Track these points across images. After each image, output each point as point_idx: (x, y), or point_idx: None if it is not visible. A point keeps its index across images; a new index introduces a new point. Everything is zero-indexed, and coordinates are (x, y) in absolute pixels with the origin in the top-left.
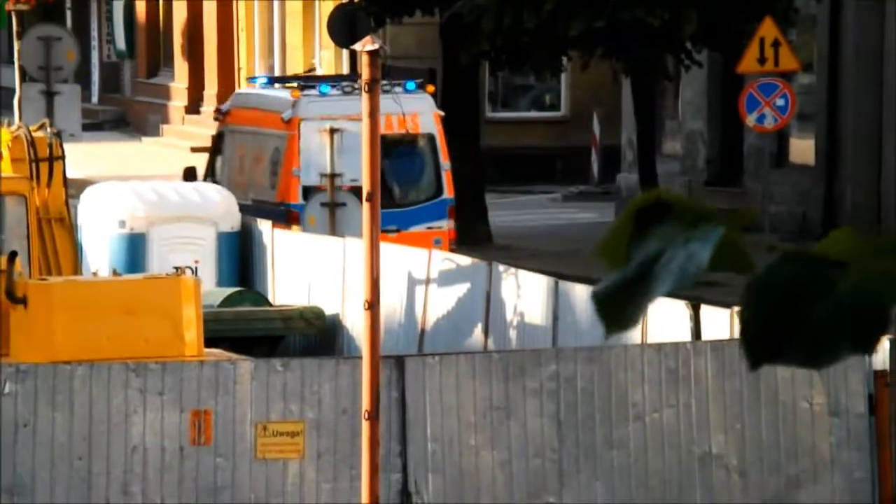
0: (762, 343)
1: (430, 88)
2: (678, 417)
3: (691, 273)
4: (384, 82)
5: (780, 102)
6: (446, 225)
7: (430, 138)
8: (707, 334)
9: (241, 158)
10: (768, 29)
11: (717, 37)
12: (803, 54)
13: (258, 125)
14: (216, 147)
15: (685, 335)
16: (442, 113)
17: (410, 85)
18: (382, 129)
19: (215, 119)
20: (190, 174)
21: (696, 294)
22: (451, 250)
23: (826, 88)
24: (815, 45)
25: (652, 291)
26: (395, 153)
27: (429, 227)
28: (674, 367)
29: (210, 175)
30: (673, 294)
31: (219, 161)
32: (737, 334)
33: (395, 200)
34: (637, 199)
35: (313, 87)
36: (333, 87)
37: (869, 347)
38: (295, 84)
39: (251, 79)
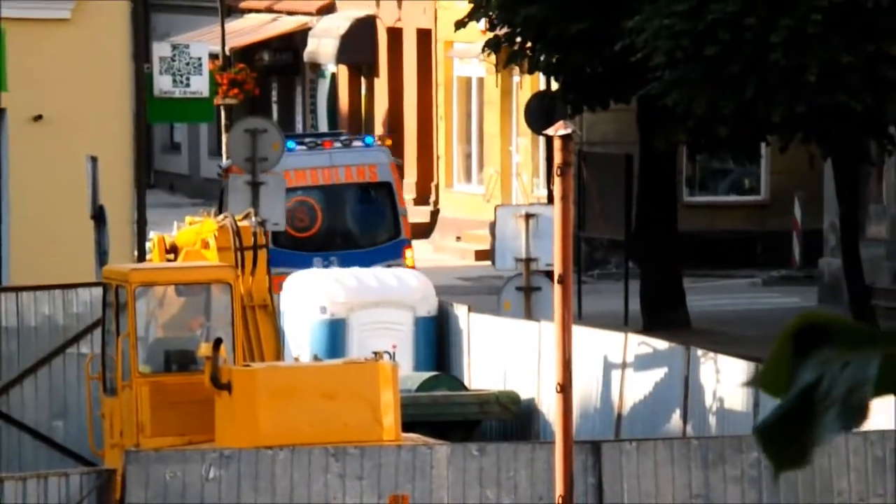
0: None
1: (388, 142)
2: None
3: (855, 408)
4: (343, 137)
5: None
6: (402, 262)
7: (388, 186)
8: None
9: None
10: None
11: None
12: None
13: None
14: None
15: (891, 423)
16: (399, 162)
17: (369, 139)
18: (343, 180)
19: (218, 175)
20: (100, 212)
21: None
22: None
23: None
24: None
25: (820, 432)
26: (356, 200)
27: (388, 265)
28: (881, 456)
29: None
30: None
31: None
32: None
33: (358, 242)
34: (792, 322)
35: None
36: (299, 143)
37: None
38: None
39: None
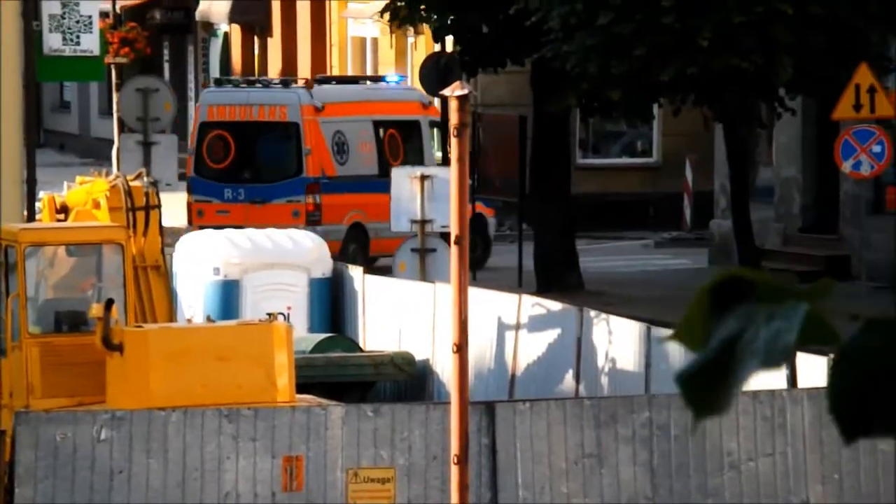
0: (853, 417)
1: (310, 85)
2: (774, 467)
3: (779, 352)
4: (277, 81)
5: (877, 149)
6: (304, 199)
7: (295, 126)
8: (803, 382)
9: None
10: (864, 75)
11: (812, 84)
12: None
13: None
14: None
15: (781, 383)
16: (320, 107)
17: (285, 83)
18: (256, 118)
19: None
20: None
21: None
22: (310, 222)
23: None
24: None
25: (740, 373)
26: (263, 138)
27: (288, 201)
28: (769, 416)
29: None
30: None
31: None
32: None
33: (261, 177)
34: (712, 279)
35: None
36: (229, 84)
37: None
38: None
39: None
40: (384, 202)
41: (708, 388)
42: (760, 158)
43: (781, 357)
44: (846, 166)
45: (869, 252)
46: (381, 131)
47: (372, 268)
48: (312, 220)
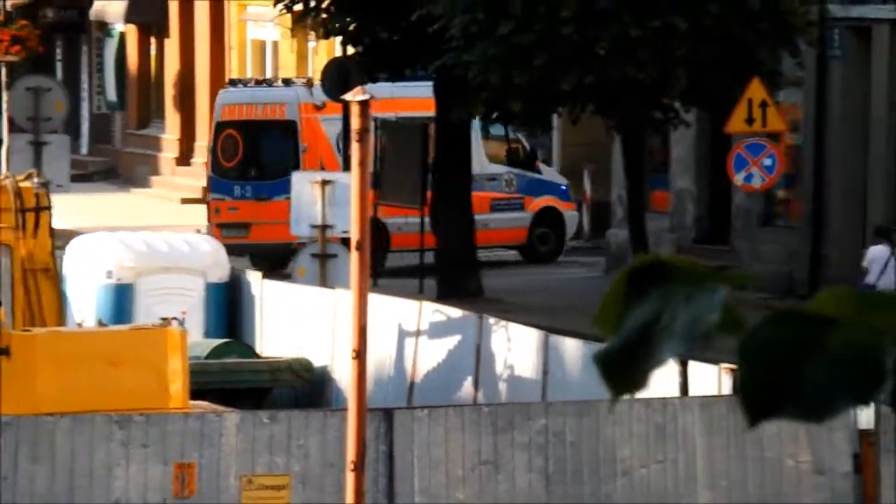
0: (760, 401)
1: (310, 83)
2: (665, 473)
3: (700, 334)
4: (268, 79)
5: (768, 162)
6: None
7: (293, 124)
8: (695, 390)
9: None
10: (756, 90)
11: (706, 97)
12: (790, 116)
13: None
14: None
15: (674, 391)
16: (321, 104)
17: (286, 82)
18: (260, 116)
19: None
20: None
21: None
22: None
23: (812, 149)
24: (802, 106)
25: (659, 354)
26: (266, 136)
27: (287, 198)
28: (662, 423)
29: None
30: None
31: None
32: (724, 391)
33: (265, 174)
34: (631, 263)
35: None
36: (240, 83)
37: (866, 400)
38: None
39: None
40: None
41: (625, 368)
42: (657, 170)
43: (702, 339)
44: (738, 179)
45: (759, 263)
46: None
47: (382, 271)
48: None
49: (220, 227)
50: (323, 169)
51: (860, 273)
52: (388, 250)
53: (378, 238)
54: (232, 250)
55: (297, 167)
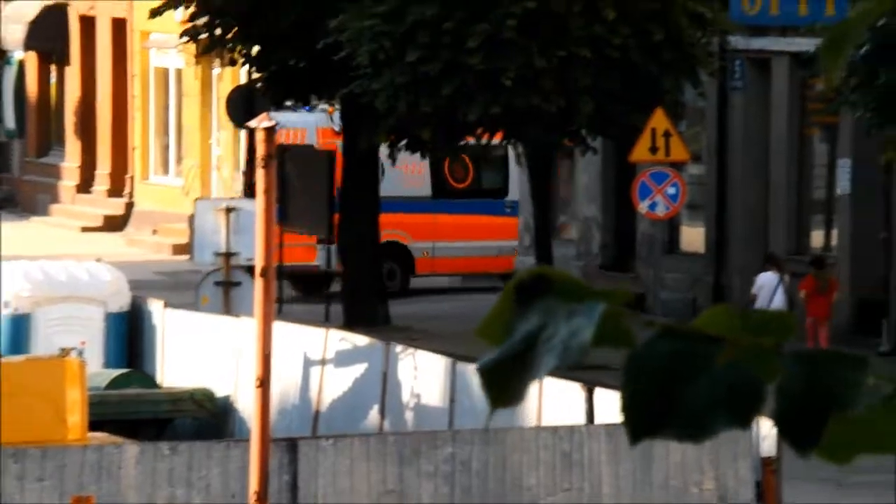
0: (641, 418)
1: (331, 110)
2: (572, 501)
3: (575, 349)
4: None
5: (672, 191)
6: None
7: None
8: (601, 417)
9: None
10: (659, 120)
11: (610, 126)
12: (693, 145)
13: None
14: None
15: (580, 418)
16: (339, 130)
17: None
18: (283, 141)
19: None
20: None
21: (590, 377)
22: (321, 240)
23: (715, 178)
24: (705, 136)
25: (537, 368)
26: (290, 162)
27: None
28: (568, 451)
29: None
30: (563, 374)
31: None
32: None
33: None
34: (517, 275)
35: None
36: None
37: (745, 422)
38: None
39: None
40: (440, 222)
41: (506, 380)
42: (563, 197)
43: (577, 354)
44: (643, 207)
45: (663, 291)
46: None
47: (408, 289)
48: (323, 239)
49: None
50: (339, 193)
51: (749, 300)
52: (412, 275)
53: (403, 262)
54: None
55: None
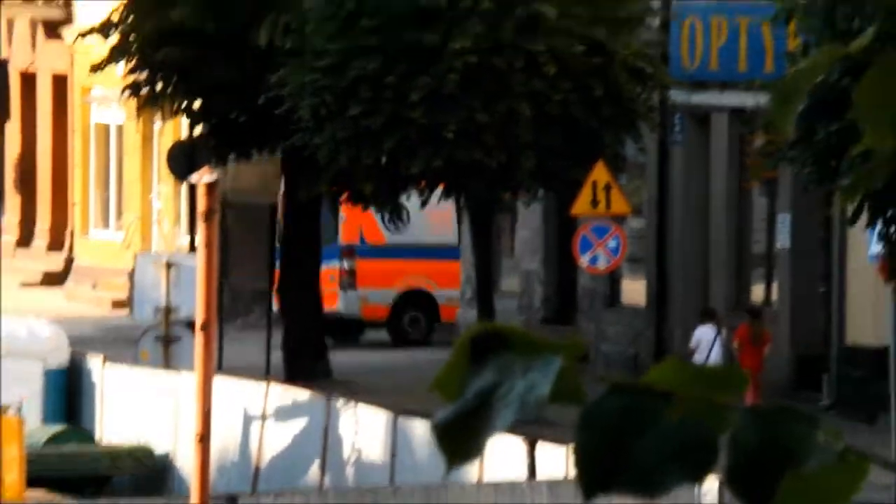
0: (594, 473)
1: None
2: None
3: (532, 404)
4: None
5: (613, 244)
6: (338, 264)
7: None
8: (543, 472)
9: None
10: (600, 173)
11: (551, 179)
12: (634, 199)
13: None
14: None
15: (522, 471)
16: None
17: None
18: None
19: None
20: None
21: (532, 431)
22: (343, 286)
23: (655, 232)
24: (645, 189)
25: (493, 423)
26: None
27: (327, 266)
28: None
29: None
30: (511, 429)
31: None
32: (573, 473)
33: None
34: (471, 330)
35: None
36: None
37: (698, 477)
38: None
39: None
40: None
41: (462, 436)
42: (504, 251)
43: (535, 408)
44: (584, 261)
45: (605, 344)
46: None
47: (431, 339)
48: (345, 285)
49: None
50: (363, 239)
51: (687, 354)
52: (437, 322)
53: (428, 309)
54: None
55: (335, 236)
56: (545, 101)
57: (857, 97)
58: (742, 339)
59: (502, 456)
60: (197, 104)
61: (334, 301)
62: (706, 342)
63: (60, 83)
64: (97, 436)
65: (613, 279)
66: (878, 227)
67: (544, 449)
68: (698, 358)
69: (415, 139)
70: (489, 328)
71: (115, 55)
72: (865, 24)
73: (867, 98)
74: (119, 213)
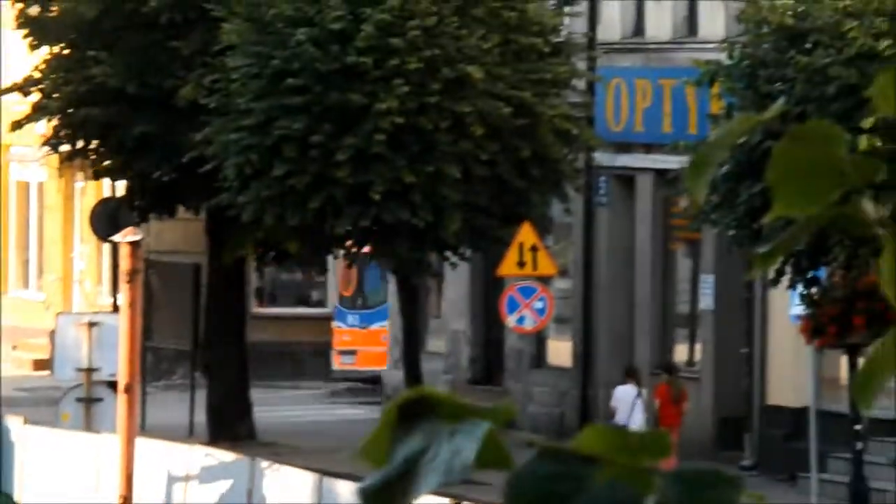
0: None
1: None
2: None
3: (457, 469)
4: None
5: (539, 305)
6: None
7: None
8: None
9: None
10: (527, 234)
11: (478, 240)
12: (560, 259)
13: None
14: None
15: None
16: None
17: None
18: None
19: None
20: None
21: (458, 493)
22: None
23: (581, 292)
24: (571, 250)
25: (418, 487)
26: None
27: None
28: None
29: None
30: (438, 492)
31: None
32: None
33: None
34: (399, 396)
35: None
36: None
37: None
38: None
39: None
40: None
41: (388, 501)
42: (431, 311)
43: (460, 473)
44: (511, 321)
45: (531, 404)
46: None
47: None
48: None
49: (340, 354)
50: None
51: (608, 414)
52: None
53: None
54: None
55: (385, 297)
56: (472, 162)
57: (769, 167)
58: (662, 397)
59: None
60: (119, 162)
61: (384, 362)
62: (626, 401)
63: None
64: (16, 498)
65: (540, 339)
66: (800, 288)
67: None
68: (619, 417)
69: (341, 199)
70: (417, 394)
71: (36, 113)
72: (787, 86)
73: (778, 168)
74: (40, 273)
